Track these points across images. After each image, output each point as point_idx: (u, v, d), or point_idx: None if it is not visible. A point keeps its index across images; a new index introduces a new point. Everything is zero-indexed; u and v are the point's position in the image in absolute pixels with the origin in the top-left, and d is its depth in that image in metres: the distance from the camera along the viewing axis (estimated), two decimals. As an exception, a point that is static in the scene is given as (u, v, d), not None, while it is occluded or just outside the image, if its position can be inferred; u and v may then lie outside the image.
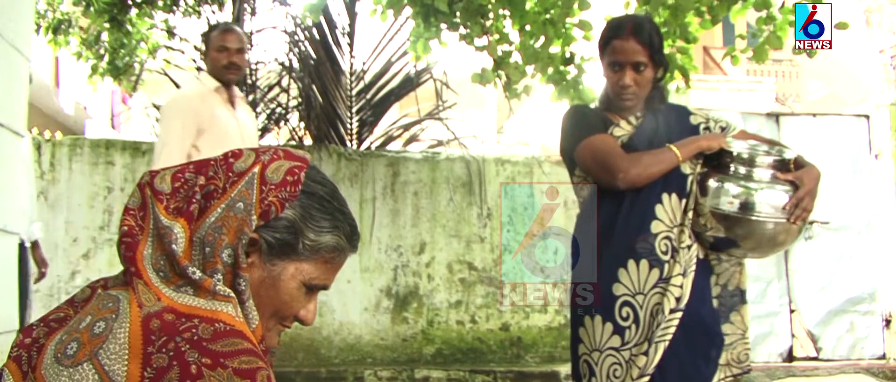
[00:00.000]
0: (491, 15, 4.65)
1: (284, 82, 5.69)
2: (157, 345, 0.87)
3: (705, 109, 2.57)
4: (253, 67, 5.56)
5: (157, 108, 5.87)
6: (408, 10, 4.84)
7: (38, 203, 4.71)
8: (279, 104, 5.69)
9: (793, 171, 2.07)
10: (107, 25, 6.60)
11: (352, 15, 5.66)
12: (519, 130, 14.85)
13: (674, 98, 2.57)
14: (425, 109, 5.91)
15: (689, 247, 2.06)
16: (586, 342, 2.13)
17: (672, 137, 2.15)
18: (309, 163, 1.04)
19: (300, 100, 5.57)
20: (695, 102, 7.57)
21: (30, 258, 3.98)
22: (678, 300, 2.03)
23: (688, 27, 4.56)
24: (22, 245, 3.71)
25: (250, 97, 5.40)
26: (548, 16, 4.54)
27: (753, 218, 2.01)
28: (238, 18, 5.67)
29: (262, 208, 0.98)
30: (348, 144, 5.68)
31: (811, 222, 2.08)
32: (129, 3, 6.47)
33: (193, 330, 0.88)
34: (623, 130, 2.20)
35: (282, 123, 5.76)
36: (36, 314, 3.98)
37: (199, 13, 6.34)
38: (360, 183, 5.32)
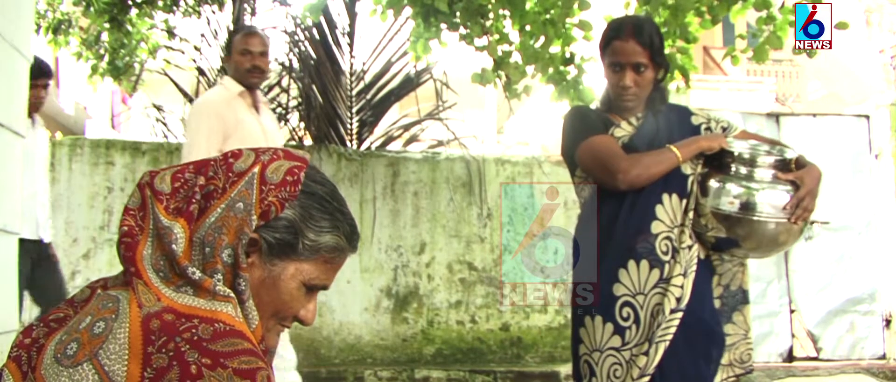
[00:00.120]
0: (491, 15, 4.65)
1: (284, 82, 5.69)
2: (156, 345, 0.87)
3: (706, 110, 2.57)
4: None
5: (158, 108, 5.88)
6: (408, 11, 4.85)
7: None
8: (279, 104, 5.68)
9: (794, 171, 2.07)
10: (107, 25, 6.61)
11: (352, 15, 5.66)
12: (519, 131, 14.85)
13: (674, 98, 2.57)
14: (425, 110, 5.92)
15: (689, 247, 2.06)
16: (587, 342, 2.13)
17: (673, 138, 2.15)
18: (308, 163, 1.04)
19: (300, 100, 5.57)
20: (695, 102, 7.57)
21: (56, 253, 3.97)
22: (679, 300, 2.03)
23: (688, 27, 4.56)
24: (41, 242, 3.71)
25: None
26: (548, 16, 4.54)
27: (754, 218, 2.01)
28: (238, 18, 5.68)
29: (262, 208, 0.98)
30: (348, 144, 5.68)
31: (812, 222, 2.08)
32: (129, 3, 6.48)
33: (193, 330, 0.88)
34: (624, 130, 2.21)
35: (282, 124, 5.76)
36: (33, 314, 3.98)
37: (199, 13, 6.35)
38: (360, 183, 5.32)
